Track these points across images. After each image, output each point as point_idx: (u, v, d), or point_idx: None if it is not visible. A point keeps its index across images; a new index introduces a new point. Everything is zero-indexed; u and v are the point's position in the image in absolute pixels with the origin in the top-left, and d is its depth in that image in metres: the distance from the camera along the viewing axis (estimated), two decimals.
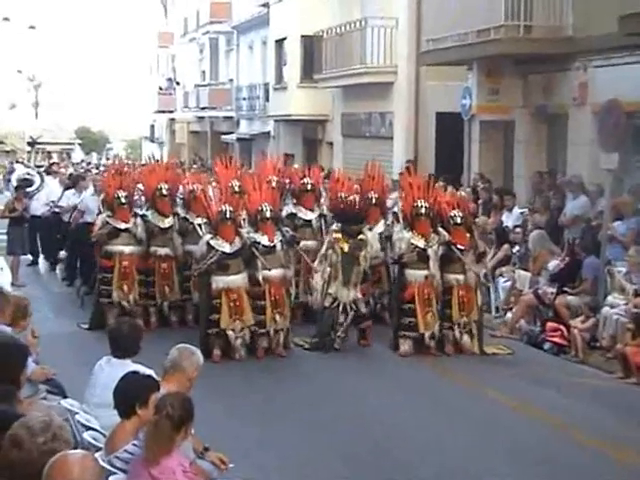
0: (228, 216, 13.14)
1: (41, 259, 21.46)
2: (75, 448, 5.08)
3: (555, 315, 14.43)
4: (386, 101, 26.27)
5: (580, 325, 13.77)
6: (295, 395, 11.39)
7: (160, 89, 53.35)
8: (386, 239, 14.82)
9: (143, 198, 15.73)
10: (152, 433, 5.75)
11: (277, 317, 13.16)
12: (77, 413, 6.93)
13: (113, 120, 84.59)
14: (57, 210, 19.82)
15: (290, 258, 13.73)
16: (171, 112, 51.52)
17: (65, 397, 8.02)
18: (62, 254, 18.29)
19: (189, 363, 6.88)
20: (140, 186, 15.86)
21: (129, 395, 6.23)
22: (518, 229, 16.85)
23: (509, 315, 15.54)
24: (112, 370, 7.19)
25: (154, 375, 6.73)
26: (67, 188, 20.10)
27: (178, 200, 15.55)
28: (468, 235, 13.78)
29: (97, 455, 6.01)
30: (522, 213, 17.42)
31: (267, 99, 35.56)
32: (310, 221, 15.62)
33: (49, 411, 4.64)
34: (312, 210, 15.71)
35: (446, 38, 20.80)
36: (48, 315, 15.18)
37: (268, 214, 13.40)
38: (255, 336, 13.13)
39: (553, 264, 15.24)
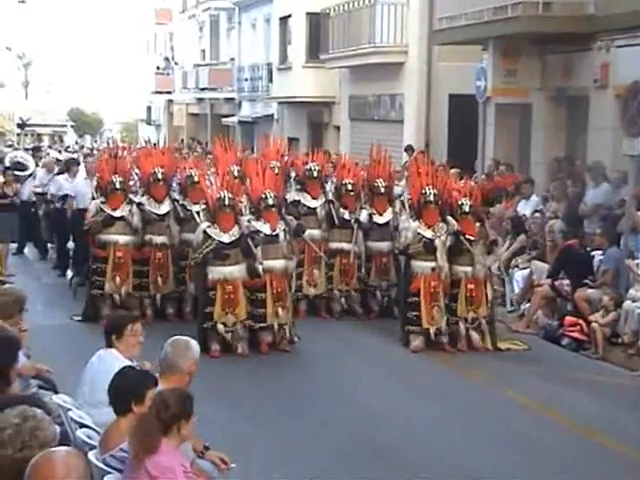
0: (227, 203, 13.07)
1: (28, 247, 21.54)
2: (68, 445, 5.09)
3: (574, 309, 14.41)
4: (396, 82, 26.23)
5: (600, 320, 13.75)
6: (299, 392, 11.39)
7: (157, 69, 53.26)
8: (394, 228, 14.80)
9: (139, 184, 15.66)
10: (136, 430, 5.70)
11: (280, 311, 13.12)
12: (70, 409, 6.92)
13: (107, 101, 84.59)
14: (48, 197, 19.80)
15: (293, 248, 13.67)
16: (169, 93, 51.40)
17: (56, 393, 8.02)
18: (70, 245, 18.19)
19: (185, 360, 6.84)
20: (137, 171, 15.79)
21: (124, 391, 6.20)
22: (536, 215, 16.82)
23: (523, 308, 15.53)
24: (100, 367, 7.20)
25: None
26: (59, 173, 20.08)
27: (174, 186, 15.50)
28: (478, 224, 13.72)
29: (91, 454, 6.02)
30: (540, 211, 17.29)
31: (270, 80, 35.50)
32: (315, 209, 15.55)
33: (23, 408, 4.61)
34: (317, 198, 15.66)
35: (460, 16, 20.74)
36: (38, 307, 15.15)
37: (271, 201, 13.33)
38: (256, 330, 13.09)
39: None
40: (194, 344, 7.06)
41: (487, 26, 19.58)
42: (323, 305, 15.50)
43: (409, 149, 23.49)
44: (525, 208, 17.59)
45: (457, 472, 8.92)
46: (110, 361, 7.11)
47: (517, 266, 16.23)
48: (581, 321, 14.04)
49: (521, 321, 15.18)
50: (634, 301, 13.52)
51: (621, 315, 13.58)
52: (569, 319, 14.27)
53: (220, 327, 12.83)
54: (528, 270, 15.93)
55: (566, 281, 14.78)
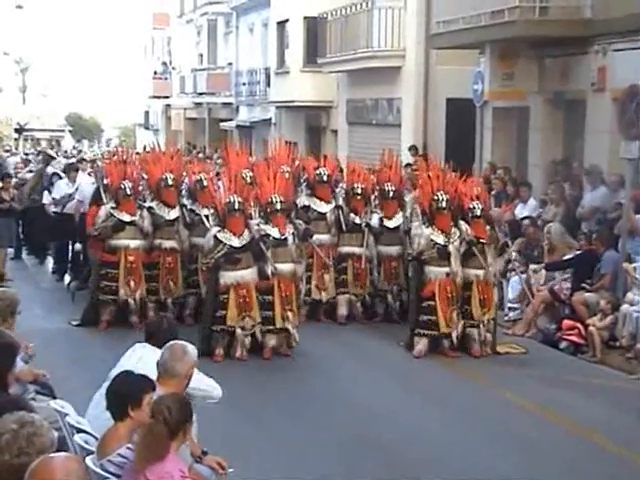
0: (237, 207, 13.08)
1: (25, 253, 21.61)
2: (65, 451, 5.09)
3: (572, 313, 14.43)
4: (394, 86, 26.24)
5: (598, 323, 13.75)
6: (299, 394, 11.41)
7: (155, 73, 53.32)
8: (405, 233, 14.76)
9: (148, 189, 15.62)
10: (145, 438, 5.71)
11: (290, 315, 13.11)
12: (67, 415, 6.92)
13: (105, 106, 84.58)
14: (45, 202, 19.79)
15: (302, 252, 13.69)
16: (167, 98, 51.47)
17: (54, 398, 8.02)
18: (77, 247, 18.11)
19: (182, 364, 6.83)
20: (144, 175, 15.78)
21: (122, 396, 6.21)
22: (525, 221, 16.85)
23: (519, 312, 15.55)
24: (144, 353, 7.37)
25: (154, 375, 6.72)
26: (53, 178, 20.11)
27: (184, 191, 15.50)
28: (488, 228, 13.73)
29: (89, 459, 6.02)
30: (530, 217, 17.27)
31: (268, 84, 35.51)
32: (324, 214, 15.53)
33: (21, 414, 4.62)
34: (327, 202, 15.62)
35: (457, 20, 20.75)
36: (37, 311, 15.18)
37: (278, 205, 13.34)
38: (262, 334, 13.10)
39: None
40: (191, 348, 7.05)
41: (484, 30, 19.59)
42: (322, 309, 15.49)
43: (412, 149, 23.51)
44: (523, 211, 17.61)
45: (456, 473, 8.94)
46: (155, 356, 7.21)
47: (513, 270, 16.21)
48: (579, 325, 14.05)
49: (518, 325, 15.19)
50: (632, 304, 13.54)
51: (619, 318, 13.60)
52: (567, 323, 14.28)
53: (239, 332, 12.85)
54: (524, 275, 15.93)
55: (566, 285, 14.79)
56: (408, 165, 21.13)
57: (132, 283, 14.59)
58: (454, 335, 13.33)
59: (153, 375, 6.60)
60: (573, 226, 16.24)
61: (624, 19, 16.51)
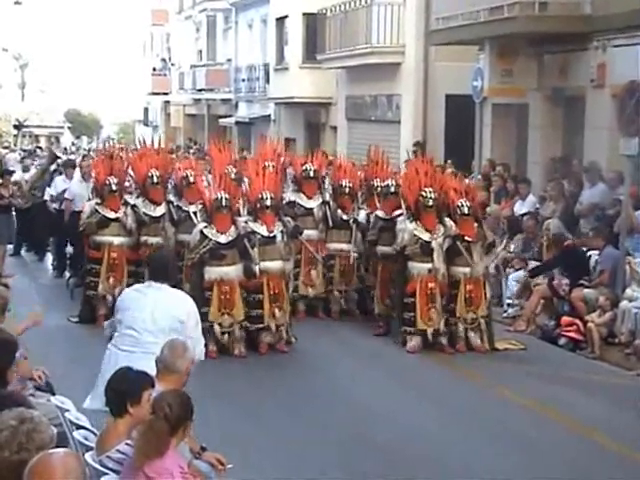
0: (224, 204, 13.09)
1: (24, 249, 21.62)
2: (66, 447, 5.10)
3: (571, 309, 14.43)
4: (393, 83, 26.24)
5: (597, 319, 13.75)
6: (297, 392, 11.40)
7: (154, 70, 53.29)
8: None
9: (134, 185, 15.65)
10: (145, 434, 5.72)
11: (276, 312, 13.15)
12: (67, 410, 6.94)
13: (104, 102, 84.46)
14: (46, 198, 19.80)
15: (291, 250, 13.69)
16: (166, 94, 51.45)
17: (53, 394, 8.03)
18: (69, 250, 18.18)
19: (182, 361, 6.84)
20: (131, 172, 15.78)
21: (121, 392, 6.21)
22: (526, 217, 16.86)
23: (517, 309, 15.56)
24: (155, 292, 7.84)
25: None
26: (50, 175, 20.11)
27: (170, 187, 15.49)
28: (476, 225, 13.72)
29: (88, 455, 6.03)
30: (529, 213, 17.30)
31: (267, 81, 35.51)
32: (311, 209, 15.54)
33: (20, 410, 4.62)
34: (313, 198, 15.64)
35: (457, 16, 20.76)
36: (36, 308, 15.12)
37: (268, 202, 13.36)
38: (255, 331, 13.10)
39: None
40: (191, 345, 7.09)
41: (483, 26, 19.60)
42: (321, 306, 15.51)
43: (417, 145, 23.48)
44: (522, 208, 17.61)
45: (456, 472, 8.93)
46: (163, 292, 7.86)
47: (512, 267, 16.23)
48: (578, 321, 14.05)
49: (518, 321, 15.19)
50: (631, 301, 13.54)
51: (617, 315, 13.60)
52: (566, 319, 14.28)
53: (216, 328, 12.84)
54: (523, 271, 15.94)
55: (565, 280, 14.79)
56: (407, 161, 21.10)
57: (112, 279, 14.61)
58: (429, 332, 13.33)
59: (174, 308, 7.39)
60: (571, 223, 16.25)
61: (624, 15, 16.52)
